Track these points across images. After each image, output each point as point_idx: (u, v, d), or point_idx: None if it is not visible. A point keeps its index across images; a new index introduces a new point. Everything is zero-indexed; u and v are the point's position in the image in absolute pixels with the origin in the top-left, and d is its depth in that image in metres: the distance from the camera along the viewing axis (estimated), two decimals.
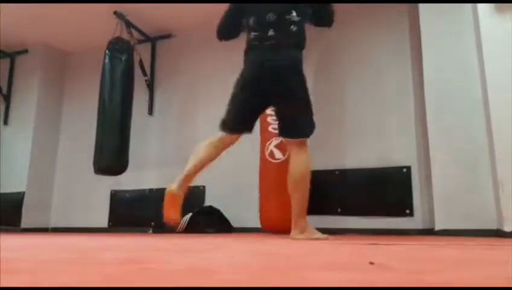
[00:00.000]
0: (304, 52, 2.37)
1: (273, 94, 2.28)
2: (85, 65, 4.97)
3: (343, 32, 3.70)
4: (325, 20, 2.47)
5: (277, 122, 2.39)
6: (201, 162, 2.34)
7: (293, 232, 2.24)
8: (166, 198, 2.25)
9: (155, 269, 0.78)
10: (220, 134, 2.40)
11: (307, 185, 2.26)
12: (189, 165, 2.33)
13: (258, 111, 2.41)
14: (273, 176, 3.03)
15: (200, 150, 2.37)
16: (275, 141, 3.07)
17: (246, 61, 2.37)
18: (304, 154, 2.28)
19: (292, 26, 2.28)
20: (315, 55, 3.54)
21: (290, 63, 2.27)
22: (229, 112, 2.37)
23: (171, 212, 2.25)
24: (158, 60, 4.65)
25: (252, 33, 2.33)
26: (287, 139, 2.37)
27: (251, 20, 2.35)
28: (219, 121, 2.41)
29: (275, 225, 3.01)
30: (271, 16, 2.28)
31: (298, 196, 2.25)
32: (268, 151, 3.11)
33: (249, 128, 2.40)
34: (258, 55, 2.30)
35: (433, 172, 2.87)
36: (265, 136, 3.17)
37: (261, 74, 2.27)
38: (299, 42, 2.33)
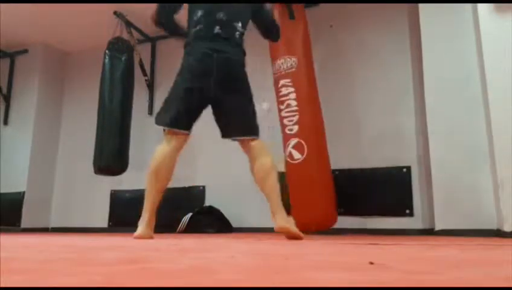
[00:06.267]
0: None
1: (221, 87, 2.20)
2: (85, 65, 4.98)
3: (342, 33, 3.71)
4: (272, 33, 2.57)
5: (221, 121, 2.31)
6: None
7: (279, 221, 2.13)
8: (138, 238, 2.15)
9: (155, 269, 0.78)
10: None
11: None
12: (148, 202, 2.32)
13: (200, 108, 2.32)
14: (291, 177, 3.03)
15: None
16: (292, 141, 3.05)
17: (189, 52, 2.28)
18: (268, 154, 2.28)
19: (237, 34, 2.31)
20: (317, 56, 3.53)
21: (238, 58, 2.29)
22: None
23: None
24: (158, 60, 4.66)
25: (198, 26, 2.27)
26: (241, 138, 2.31)
27: (198, 13, 2.29)
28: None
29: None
30: (221, 15, 2.27)
31: (277, 193, 2.21)
32: (287, 152, 3.07)
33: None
34: (205, 45, 2.23)
35: (433, 172, 2.87)
36: (286, 138, 3.12)
37: (208, 64, 2.20)
38: (241, 49, 2.35)
